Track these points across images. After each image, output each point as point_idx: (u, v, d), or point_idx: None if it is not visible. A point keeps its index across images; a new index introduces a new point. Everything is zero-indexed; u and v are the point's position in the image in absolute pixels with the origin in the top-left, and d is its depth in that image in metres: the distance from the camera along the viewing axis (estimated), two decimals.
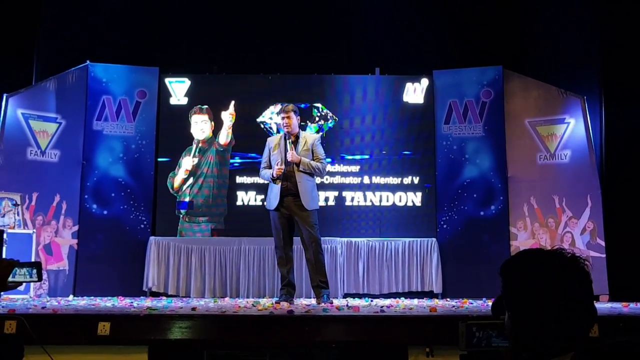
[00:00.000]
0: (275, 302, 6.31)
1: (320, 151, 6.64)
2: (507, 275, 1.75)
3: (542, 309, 1.64)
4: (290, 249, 6.66)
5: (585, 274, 1.68)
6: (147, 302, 6.62)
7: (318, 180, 6.99)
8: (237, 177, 8.93)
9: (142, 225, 8.66)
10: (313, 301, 6.80)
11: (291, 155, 6.42)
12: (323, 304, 6.07)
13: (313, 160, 6.54)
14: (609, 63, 8.29)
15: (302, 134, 6.71)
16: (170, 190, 8.84)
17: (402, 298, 8.00)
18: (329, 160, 6.57)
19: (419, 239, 8.65)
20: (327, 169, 7.02)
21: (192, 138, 8.96)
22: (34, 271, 2.65)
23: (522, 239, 8.45)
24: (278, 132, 8.87)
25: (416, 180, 8.91)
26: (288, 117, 6.55)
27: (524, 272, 1.70)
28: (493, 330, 2.87)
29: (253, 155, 8.92)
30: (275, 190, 6.51)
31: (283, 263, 6.59)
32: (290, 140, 6.51)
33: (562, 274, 1.66)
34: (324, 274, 6.54)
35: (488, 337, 2.87)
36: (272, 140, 6.75)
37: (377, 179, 8.92)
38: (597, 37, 8.44)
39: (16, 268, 2.57)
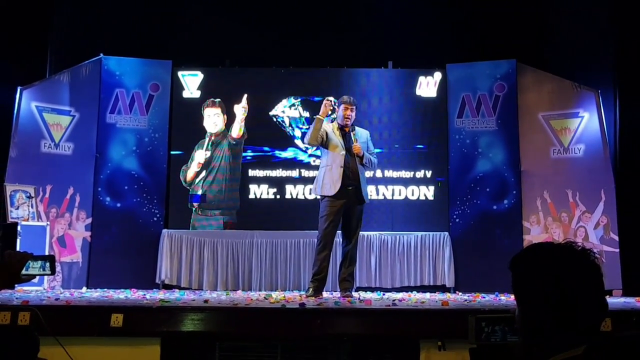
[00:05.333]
0: (308, 296, 6.30)
1: (372, 146, 6.74)
2: (517, 268, 1.74)
3: (553, 303, 1.64)
4: (332, 243, 6.58)
5: (596, 268, 1.67)
6: (159, 295, 6.66)
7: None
8: (250, 171, 8.93)
9: (155, 218, 8.68)
10: (325, 294, 6.80)
11: (358, 148, 6.43)
12: (343, 299, 6.00)
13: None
14: (624, 57, 8.22)
15: (356, 128, 6.69)
16: (183, 184, 8.86)
17: (414, 292, 8.00)
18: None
19: (431, 233, 8.63)
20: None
21: (205, 131, 8.96)
22: (47, 264, 2.66)
23: (535, 233, 8.42)
24: (291, 124, 8.89)
25: (429, 174, 8.89)
26: (352, 110, 6.58)
27: (534, 265, 1.70)
28: (503, 324, 2.86)
29: (265, 148, 8.94)
30: (335, 176, 6.41)
31: (323, 258, 6.45)
32: (352, 133, 6.52)
33: (573, 268, 1.65)
34: (353, 268, 6.58)
35: (497, 332, 2.86)
36: (328, 126, 6.66)
37: (389, 173, 8.90)
38: (611, 31, 8.36)
39: (29, 261, 2.59)
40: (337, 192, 6.39)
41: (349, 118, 6.54)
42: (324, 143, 6.55)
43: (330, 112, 6.82)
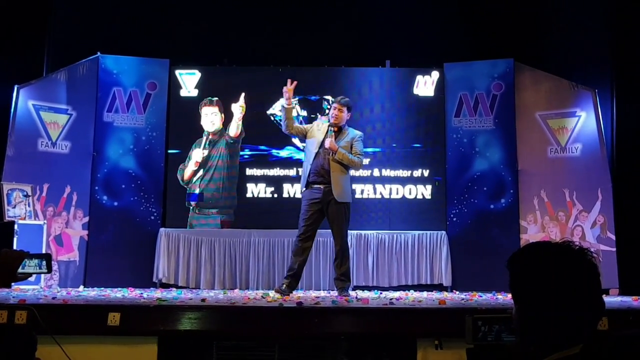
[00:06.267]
0: (276, 290, 6.42)
1: (359, 147, 6.58)
2: (515, 267, 1.74)
3: (549, 302, 1.64)
4: (308, 241, 6.56)
5: (593, 267, 1.67)
6: (157, 293, 6.66)
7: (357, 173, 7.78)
8: (247, 169, 8.92)
9: (152, 217, 8.68)
10: (322, 293, 6.81)
11: (329, 143, 6.40)
12: (341, 298, 6.02)
13: (350, 154, 6.52)
14: (621, 56, 8.24)
15: (348, 129, 6.67)
16: (181, 182, 8.85)
17: (412, 291, 8.01)
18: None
19: (428, 232, 8.64)
20: (363, 164, 6.91)
21: (202, 130, 8.96)
22: (44, 262, 2.66)
23: (532, 232, 8.43)
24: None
25: (426, 173, 8.89)
26: (339, 110, 6.55)
27: (531, 264, 1.70)
28: (499, 324, 2.87)
29: (263, 147, 8.93)
30: (304, 173, 6.56)
31: (298, 253, 6.52)
32: (331, 129, 6.50)
33: (570, 267, 1.65)
34: (346, 268, 6.54)
35: (494, 331, 2.86)
36: (317, 124, 6.77)
37: (387, 172, 8.90)
38: (609, 30, 8.38)
39: (26, 259, 2.58)
40: (306, 189, 6.54)
41: (334, 117, 6.53)
42: (305, 137, 6.66)
43: (328, 112, 6.85)
